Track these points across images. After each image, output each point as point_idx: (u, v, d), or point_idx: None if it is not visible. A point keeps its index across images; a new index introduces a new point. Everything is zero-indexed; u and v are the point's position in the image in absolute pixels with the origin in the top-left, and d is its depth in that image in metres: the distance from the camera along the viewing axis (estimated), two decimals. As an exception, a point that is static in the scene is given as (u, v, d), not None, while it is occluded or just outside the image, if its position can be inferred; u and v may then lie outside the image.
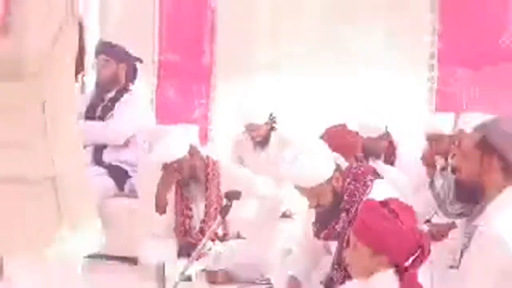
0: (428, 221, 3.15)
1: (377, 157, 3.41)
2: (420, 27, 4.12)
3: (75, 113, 2.04)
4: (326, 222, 2.58)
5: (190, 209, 3.29)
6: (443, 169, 3.19)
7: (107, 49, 3.66)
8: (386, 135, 3.62)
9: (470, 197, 2.12)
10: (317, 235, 2.63)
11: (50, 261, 1.73)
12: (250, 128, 3.90)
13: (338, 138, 3.05)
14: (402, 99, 4.20)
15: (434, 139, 3.30)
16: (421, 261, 1.95)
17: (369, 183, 2.56)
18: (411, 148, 3.64)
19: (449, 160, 3.13)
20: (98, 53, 3.63)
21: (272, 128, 3.84)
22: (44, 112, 1.73)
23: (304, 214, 2.90)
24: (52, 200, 1.74)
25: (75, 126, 2.01)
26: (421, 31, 4.12)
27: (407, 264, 1.95)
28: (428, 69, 3.88)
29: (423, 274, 2.01)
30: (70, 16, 1.92)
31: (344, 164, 2.59)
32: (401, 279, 1.95)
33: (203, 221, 3.23)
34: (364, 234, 1.97)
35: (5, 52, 1.69)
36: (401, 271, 1.95)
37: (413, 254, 1.93)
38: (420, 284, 1.99)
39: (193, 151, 3.27)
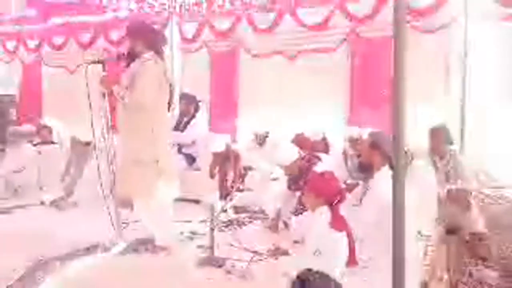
0: (345, 182, 4.03)
1: (319, 151, 4.66)
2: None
3: (168, 128, 3.86)
4: (294, 182, 3.99)
5: (226, 175, 4.92)
6: (352, 155, 4.78)
7: (184, 96, 5.57)
8: (324, 139, 5.19)
9: (365, 170, 3.28)
10: (289, 188, 4.06)
11: (155, 201, 3.40)
12: (256, 136, 5.44)
13: (300, 141, 4.77)
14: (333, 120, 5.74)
15: (349, 140, 4.83)
16: (341, 202, 2.82)
17: (315, 163, 3.96)
18: (337, 145, 5.16)
19: (355, 152, 4.65)
20: (180, 98, 5.52)
21: (267, 136, 5.35)
22: (152, 132, 3.34)
23: (283, 178, 4.27)
24: (156, 171, 3.35)
25: (168, 135, 3.74)
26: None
27: (334, 203, 2.78)
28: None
29: (342, 208, 2.83)
30: (165, 79, 3.66)
31: (302, 154, 4.08)
32: (331, 211, 2.78)
33: (232, 182, 4.85)
34: (312, 187, 2.87)
35: (133, 99, 3.22)
36: (331, 206, 2.78)
37: (337, 198, 2.78)
38: (341, 214, 2.80)
39: (227, 147, 4.96)
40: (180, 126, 5.39)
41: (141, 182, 3.32)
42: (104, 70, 3.29)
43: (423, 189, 3.39)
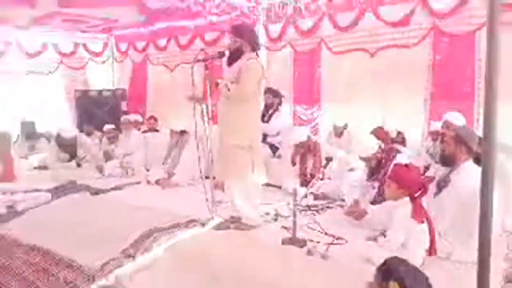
0: (423, 174, 3.91)
1: (397, 143, 4.72)
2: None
3: (259, 119, 3.83)
4: (373, 173, 4.00)
5: (306, 164, 4.89)
6: (432, 149, 4.67)
7: (269, 90, 5.62)
8: (400, 132, 5.07)
9: (448, 164, 3.07)
10: (368, 179, 4.05)
11: (248, 183, 3.55)
12: (335, 128, 5.51)
13: (379, 134, 4.70)
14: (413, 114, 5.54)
15: (430, 134, 4.80)
16: (424, 194, 2.75)
17: (394, 155, 3.95)
18: (416, 139, 5.11)
19: (438, 143, 4.42)
20: (264, 92, 5.44)
21: (345, 128, 5.38)
22: (249, 121, 3.46)
23: (361, 169, 4.30)
24: (250, 156, 3.52)
25: (259, 125, 3.80)
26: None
27: (416, 195, 2.72)
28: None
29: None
30: (262, 75, 3.59)
31: (382, 145, 4.08)
32: (412, 202, 2.73)
33: (312, 170, 4.81)
34: (395, 178, 2.83)
35: (238, 91, 3.45)
36: (412, 198, 2.73)
37: (419, 190, 2.73)
38: (422, 205, 2.73)
39: (308, 138, 4.93)
40: (264, 118, 5.45)
41: (238, 165, 3.45)
42: (207, 68, 3.43)
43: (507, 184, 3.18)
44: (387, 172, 3.32)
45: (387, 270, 1.70)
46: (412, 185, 2.70)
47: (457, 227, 2.79)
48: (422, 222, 2.63)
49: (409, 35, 5.34)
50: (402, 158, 3.73)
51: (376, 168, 3.88)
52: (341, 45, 5.99)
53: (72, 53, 8.70)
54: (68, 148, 5.90)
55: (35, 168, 6.00)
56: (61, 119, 8.07)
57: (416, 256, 2.53)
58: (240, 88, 3.37)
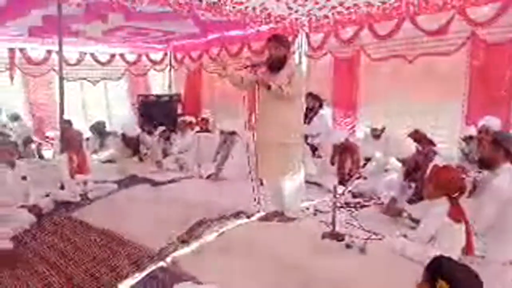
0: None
1: (434, 146, 4.56)
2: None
3: (301, 117, 3.76)
4: (409, 174, 3.79)
5: (344, 164, 4.86)
6: (470, 152, 4.50)
7: (310, 94, 5.62)
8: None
9: (485, 166, 3.03)
10: (405, 179, 3.82)
11: (294, 179, 3.55)
12: (373, 130, 5.25)
13: (417, 136, 4.44)
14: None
15: (467, 139, 4.60)
16: (462, 194, 2.66)
17: (432, 157, 3.73)
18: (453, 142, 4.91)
19: (473, 146, 4.42)
20: (306, 96, 5.26)
21: (383, 131, 5.15)
22: (296, 121, 3.48)
23: (398, 170, 4.11)
24: (298, 153, 3.54)
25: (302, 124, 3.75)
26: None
27: (454, 195, 2.63)
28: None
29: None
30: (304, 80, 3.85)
31: (419, 148, 3.87)
32: (450, 202, 2.64)
33: (350, 170, 4.80)
34: (434, 179, 2.76)
35: (293, 90, 3.36)
36: (450, 198, 2.64)
37: (458, 191, 2.63)
38: (460, 206, 2.62)
39: (346, 139, 4.98)
40: (305, 120, 5.41)
41: (285, 162, 3.46)
42: (255, 72, 3.50)
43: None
44: (425, 173, 3.22)
45: (435, 269, 1.63)
46: (451, 186, 2.63)
47: (495, 227, 2.68)
48: (459, 221, 2.52)
49: (447, 42, 5.11)
50: (438, 160, 3.60)
51: (414, 169, 3.74)
52: (380, 52, 5.85)
53: (136, 62, 9.10)
54: (132, 145, 6.17)
55: (103, 162, 6.31)
56: (126, 119, 8.48)
57: (452, 255, 2.40)
58: (291, 90, 3.38)
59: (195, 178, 5.47)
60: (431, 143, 4.65)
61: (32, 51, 7.59)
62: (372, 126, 5.29)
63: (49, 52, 7.59)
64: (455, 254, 2.51)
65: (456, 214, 2.55)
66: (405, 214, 3.53)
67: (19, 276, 3.05)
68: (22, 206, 3.99)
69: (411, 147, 3.82)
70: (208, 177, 5.40)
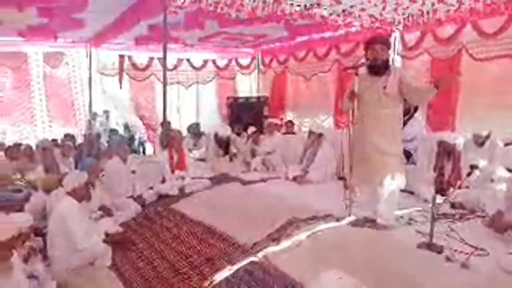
0: None
1: None
2: None
3: (400, 124, 3.58)
4: None
5: (443, 171, 4.46)
6: None
7: None
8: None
9: None
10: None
11: (392, 187, 3.38)
12: (476, 136, 4.74)
13: None
14: None
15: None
16: None
17: None
18: None
19: None
20: None
21: (488, 137, 4.69)
22: (396, 129, 3.37)
23: (504, 180, 3.95)
24: (398, 163, 3.42)
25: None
26: None
27: None
28: None
29: None
30: None
31: None
32: None
33: (449, 177, 4.39)
34: None
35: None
36: None
37: None
38: None
39: (445, 145, 4.48)
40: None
41: (386, 170, 3.38)
42: (356, 74, 3.42)
43: None
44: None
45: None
46: None
47: None
48: None
49: None
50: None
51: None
52: (485, 52, 5.33)
53: (226, 66, 9.59)
54: (223, 145, 6.51)
55: (196, 160, 6.75)
56: (216, 121, 8.99)
57: None
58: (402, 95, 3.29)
59: (282, 179, 5.56)
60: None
61: (137, 58, 8.45)
62: (474, 132, 4.83)
63: (151, 58, 8.38)
64: None
65: None
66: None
67: (129, 257, 3.46)
68: (130, 197, 4.51)
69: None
70: (294, 178, 5.45)
